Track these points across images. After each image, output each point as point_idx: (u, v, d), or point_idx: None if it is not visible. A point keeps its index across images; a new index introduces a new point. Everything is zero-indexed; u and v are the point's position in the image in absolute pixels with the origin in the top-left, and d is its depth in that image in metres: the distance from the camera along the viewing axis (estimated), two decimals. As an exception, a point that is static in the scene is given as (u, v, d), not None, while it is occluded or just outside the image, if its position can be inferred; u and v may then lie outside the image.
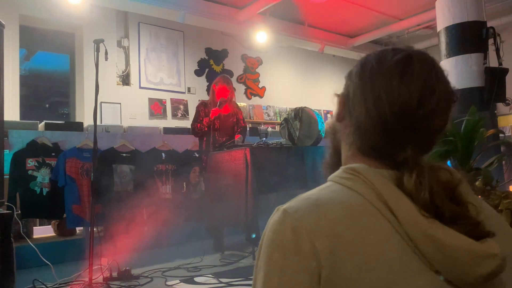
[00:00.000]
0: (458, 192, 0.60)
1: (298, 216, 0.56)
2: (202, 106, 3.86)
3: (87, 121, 5.14)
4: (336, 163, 0.72)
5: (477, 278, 0.53)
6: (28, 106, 5.86)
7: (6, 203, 2.94)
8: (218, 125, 3.81)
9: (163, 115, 6.55)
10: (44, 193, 3.46)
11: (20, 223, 3.24)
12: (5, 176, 3.29)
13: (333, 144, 0.74)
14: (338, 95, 0.71)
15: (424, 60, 0.63)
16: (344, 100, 0.68)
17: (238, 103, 4.56)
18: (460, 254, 0.53)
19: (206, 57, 7.28)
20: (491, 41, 3.65)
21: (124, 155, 3.79)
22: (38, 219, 3.87)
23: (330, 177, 0.65)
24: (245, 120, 4.32)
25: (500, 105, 3.67)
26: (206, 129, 3.75)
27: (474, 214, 0.57)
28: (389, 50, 0.66)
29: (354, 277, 0.51)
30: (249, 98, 7.76)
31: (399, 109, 0.60)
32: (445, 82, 0.63)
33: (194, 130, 3.82)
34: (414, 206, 0.56)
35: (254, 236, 3.29)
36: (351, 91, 0.67)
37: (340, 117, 0.70)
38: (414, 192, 0.57)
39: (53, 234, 3.76)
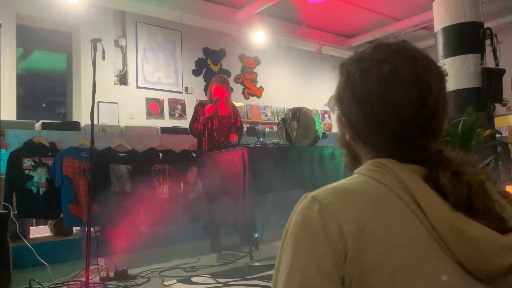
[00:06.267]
0: (487, 188, 0.62)
1: (326, 202, 0.59)
2: (200, 106, 3.87)
3: (84, 121, 5.12)
4: (356, 164, 0.75)
5: (499, 269, 0.55)
6: (25, 105, 5.84)
7: (2, 202, 2.94)
8: (216, 126, 3.83)
9: (161, 115, 6.54)
10: (41, 193, 3.44)
11: (17, 223, 3.23)
12: (1, 176, 3.29)
13: (349, 152, 0.76)
14: (341, 122, 0.72)
15: (406, 60, 0.64)
16: (349, 124, 0.70)
17: (235, 103, 4.56)
18: (484, 246, 0.55)
19: (204, 57, 7.27)
20: (488, 42, 3.65)
21: (121, 154, 3.78)
22: (34, 219, 3.85)
23: (357, 170, 0.67)
24: (242, 121, 4.35)
25: (497, 106, 3.66)
26: (201, 127, 3.76)
27: (499, 211, 0.60)
28: (368, 61, 0.66)
29: (377, 259, 0.54)
30: (247, 98, 7.76)
31: (404, 119, 0.63)
32: (433, 67, 0.65)
33: (192, 130, 3.88)
34: (440, 199, 0.58)
35: (256, 235, 3.29)
36: (354, 115, 0.68)
37: (352, 139, 0.72)
38: (450, 187, 0.59)
39: (49, 234, 3.74)
